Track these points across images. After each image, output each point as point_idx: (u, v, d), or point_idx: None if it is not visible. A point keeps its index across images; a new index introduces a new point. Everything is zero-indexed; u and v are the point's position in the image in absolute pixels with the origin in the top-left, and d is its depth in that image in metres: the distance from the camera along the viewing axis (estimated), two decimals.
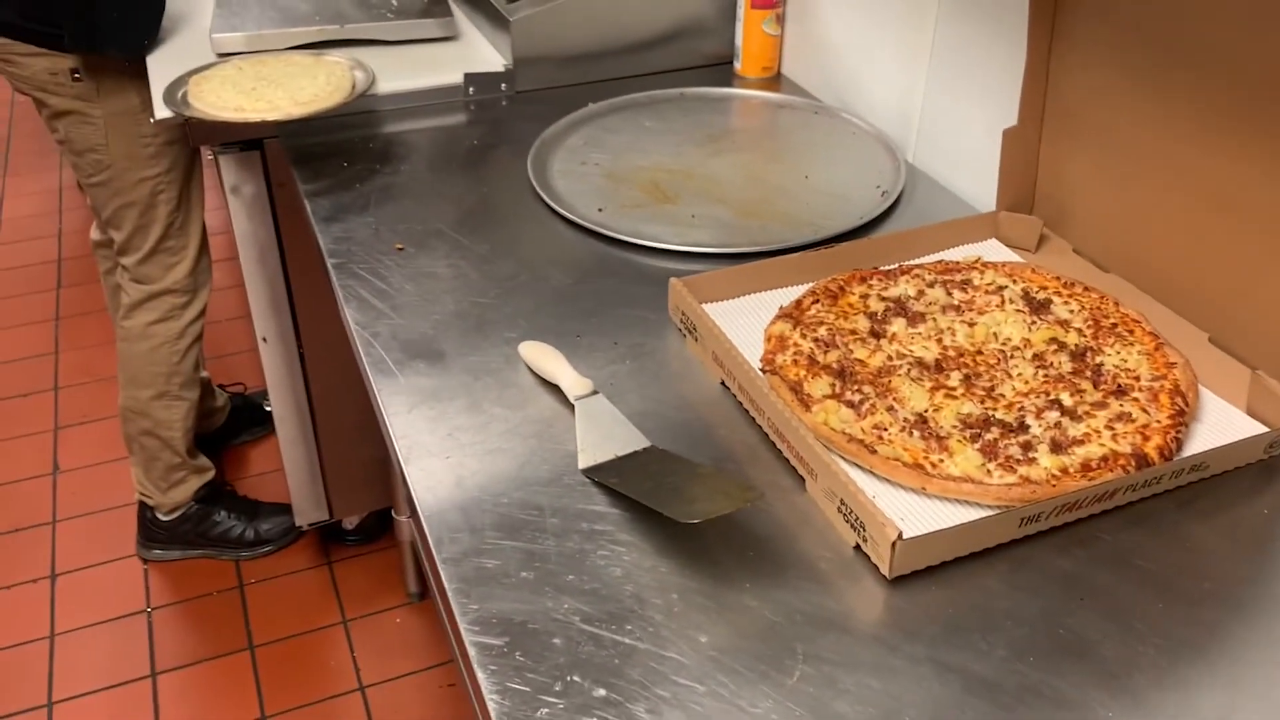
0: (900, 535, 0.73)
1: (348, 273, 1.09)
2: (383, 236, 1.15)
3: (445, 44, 1.60)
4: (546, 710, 0.66)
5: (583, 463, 0.84)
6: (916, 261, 1.10)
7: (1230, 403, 0.91)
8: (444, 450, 0.86)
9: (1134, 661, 0.70)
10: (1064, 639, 0.71)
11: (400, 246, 1.13)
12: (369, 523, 2.01)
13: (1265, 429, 0.87)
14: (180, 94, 1.36)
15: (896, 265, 1.09)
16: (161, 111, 1.35)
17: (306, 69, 1.41)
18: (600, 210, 1.22)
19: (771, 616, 0.73)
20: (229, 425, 2.21)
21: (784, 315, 1.00)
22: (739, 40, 1.56)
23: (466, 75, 1.48)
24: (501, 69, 1.50)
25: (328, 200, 1.22)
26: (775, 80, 1.58)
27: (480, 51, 1.57)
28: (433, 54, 1.57)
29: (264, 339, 1.65)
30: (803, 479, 0.84)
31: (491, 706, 0.65)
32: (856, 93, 1.45)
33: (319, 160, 1.31)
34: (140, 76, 1.53)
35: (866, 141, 1.37)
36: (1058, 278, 1.04)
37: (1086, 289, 1.02)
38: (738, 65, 1.58)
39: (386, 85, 1.45)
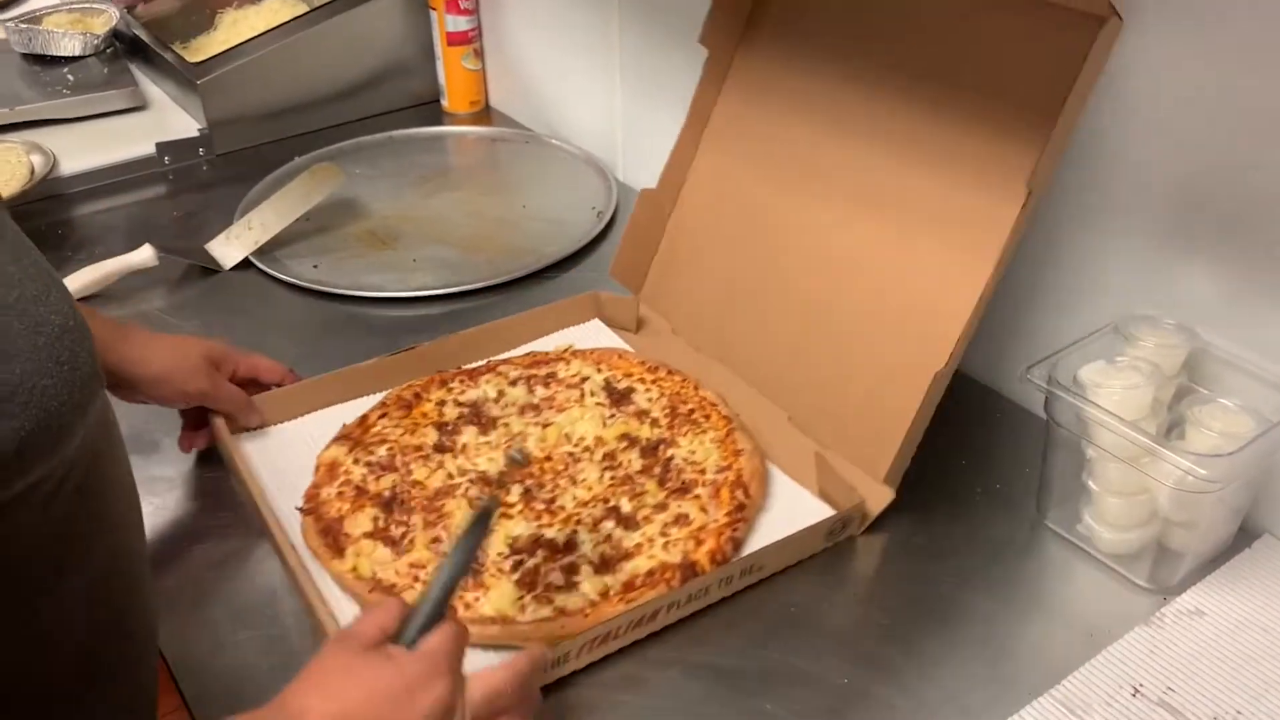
0: None
1: None
2: None
3: (133, 114, 1.52)
4: None
5: None
6: (505, 356, 1.01)
7: (805, 486, 0.85)
8: None
9: None
10: None
11: None
12: None
13: (833, 513, 0.81)
14: None
15: (484, 363, 0.99)
16: None
17: None
18: (316, 266, 1.19)
19: None
20: None
21: (342, 436, 0.89)
22: (441, 78, 1.56)
23: (159, 144, 1.41)
24: (197, 133, 1.44)
25: None
26: (485, 114, 1.59)
27: (172, 118, 1.50)
28: (121, 126, 1.49)
29: None
30: None
31: None
32: (562, 119, 1.48)
33: None
34: None
35: (577, 165, 1.40)
36: (643, 363, 0.97)
37: (670, 372, 0.95)
38: (445, 103, 1.58)
39: (72, 165, 1.36)
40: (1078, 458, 0.79)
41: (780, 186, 0.95)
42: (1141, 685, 0.70)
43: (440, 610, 0.61)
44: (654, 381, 0.95)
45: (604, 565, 0.76)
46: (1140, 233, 0.84)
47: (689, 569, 0.76)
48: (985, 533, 0.83)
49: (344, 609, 0.75)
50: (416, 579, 0.75)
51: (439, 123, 1.55)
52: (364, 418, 0.92)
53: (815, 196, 0.92)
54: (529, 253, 1.21)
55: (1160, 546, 0.77)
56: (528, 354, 1.01)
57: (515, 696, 0.63)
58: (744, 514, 0.81)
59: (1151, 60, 0.78)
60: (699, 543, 0.78)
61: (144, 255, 1.15)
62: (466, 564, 0.63)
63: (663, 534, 0.79)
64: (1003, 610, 0.76)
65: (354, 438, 0.89)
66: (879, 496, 0.82)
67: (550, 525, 0.79)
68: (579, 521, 0.79)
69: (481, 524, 0.65)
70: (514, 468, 0.70)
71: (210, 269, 1.19)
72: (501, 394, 0.94)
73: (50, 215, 1.30)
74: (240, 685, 0.71)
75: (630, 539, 0.79)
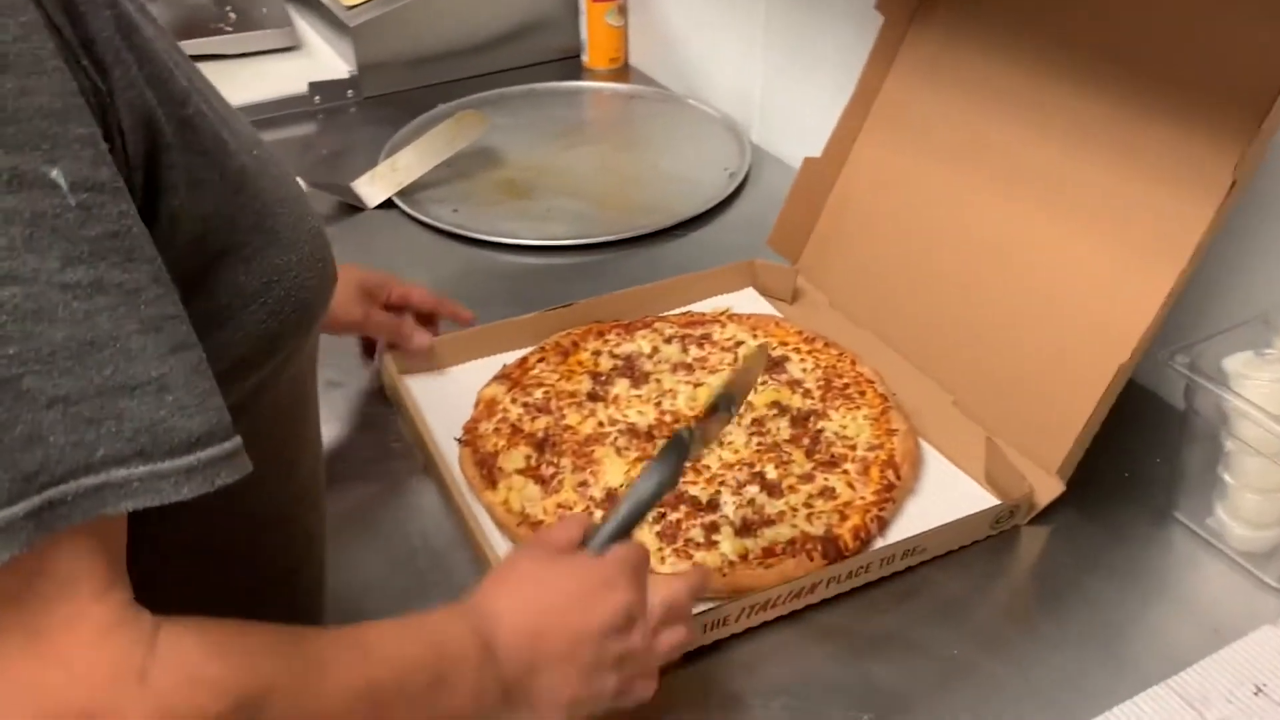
0: None
1: None
2: None
3: (287, 54, 1.58)
4: None
5: None
6: (665, 314, 1.02)
7: (963, 470, 0.84)
8: None
9: None
10: None
11: None
12: None
13: (997, 502, 0.80)
14: None
15: (640, 318, 1.00)
16: None
17: None
18: (455, 211, 1.23)
19: None
20: None
21: (502, 376, 0.93)
22: (584, 34, 1.58)
23: (311, 84, 1.46)
24: (347, 75, 1.49)
25: None
26: (623, 71, 1.60)
27: (323, 59, 1.56)
28: (275, 65, 1.55)
29: None
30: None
31: None
32: (700, 78, 1.48)
33: None
34: None
35: (713, 126, 1.41)
36: (799, 332, 0.97)
37: (827, 344, 0.95)
38: (585, 58, 1.60)
39: (229, 99, 1.42)
40: (1215, 450, 0.77)
41: (951, 165, 0.93)
42: (1265, 685, 0.68)
43: (627, 527, 0.62)
44: (809, 352, 0.94)
45: (745, 528, 0.76)
46: None
47: (831, 543, 0.76)
48: (1111, 520, 0.81)
49: (496, 541, 0.77)
50: (562, 519, 0.76)
51: (579, 78, 1.57)
52: (523, 360, 0.95)
53: (988, 178, 0.90)
54: (659, 210, 1.23)
55: None
56: (684, 313, 1.02)
57: (687, 609, 0.64)
58: (892, 494, 0.80)
59: None
60: (844, 518, 0.78)
61: None
62: (660, 490, 0.63)
63: (807, 505, 0.79)
64: (1124, 598, 0.75)
65: (513, 378, 0.92)
66: (1046, 487, 0.80)
67: (695, 483, 0.80)
68: (722, 483, 0.80)
69: (676, 452, 0.64)
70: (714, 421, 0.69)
71: (355, 206, 1.23)
72: (656, 350, 0.95)
73: None
74: (361, 599, 0.75)
75: (773, 506, 0.78)
